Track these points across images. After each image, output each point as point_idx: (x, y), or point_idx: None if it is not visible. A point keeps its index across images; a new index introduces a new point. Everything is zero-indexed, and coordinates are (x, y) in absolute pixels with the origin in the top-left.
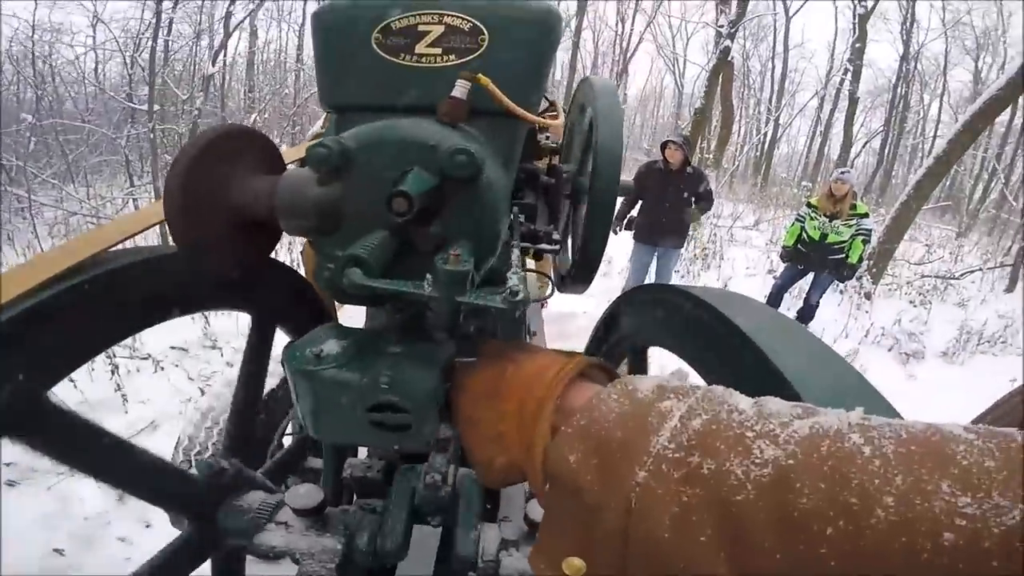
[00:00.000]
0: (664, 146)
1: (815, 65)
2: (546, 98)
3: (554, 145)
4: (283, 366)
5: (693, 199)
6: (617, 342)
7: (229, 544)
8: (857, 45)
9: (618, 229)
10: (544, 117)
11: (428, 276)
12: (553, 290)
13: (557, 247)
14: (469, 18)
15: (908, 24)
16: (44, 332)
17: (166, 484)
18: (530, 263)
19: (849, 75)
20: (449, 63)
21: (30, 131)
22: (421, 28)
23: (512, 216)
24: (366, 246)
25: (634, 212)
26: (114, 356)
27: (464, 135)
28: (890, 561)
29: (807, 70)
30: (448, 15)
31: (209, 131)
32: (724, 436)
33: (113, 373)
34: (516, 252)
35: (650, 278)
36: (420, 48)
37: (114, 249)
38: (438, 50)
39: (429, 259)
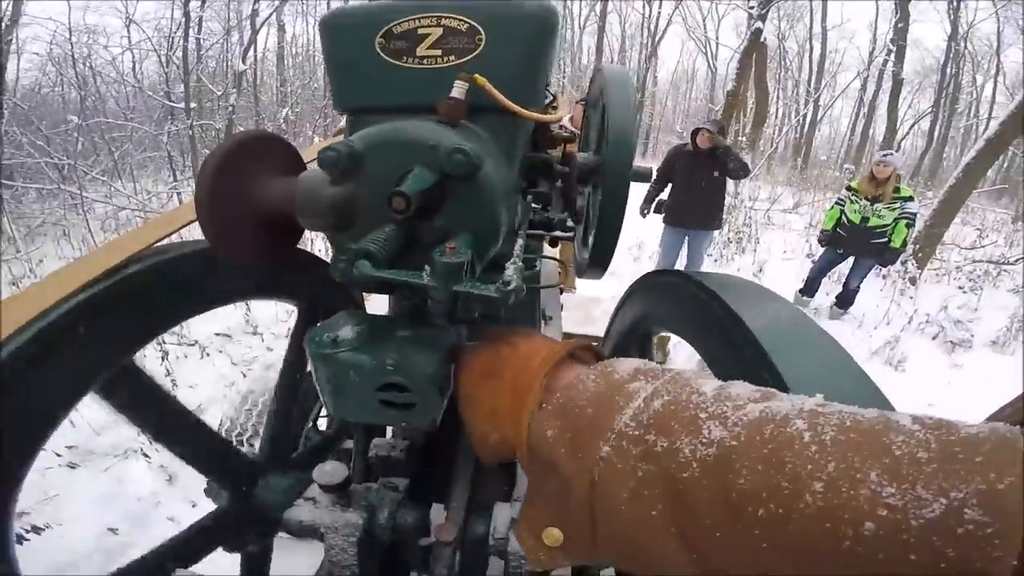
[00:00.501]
0: (696, 133)
1: (856, 45)
2: (547, 91)
3: (567, 134)
4: (306, 349)
5: (726, 177)
6: (633, 326)
7: (264, 518)
8: (899, 25)
9: (646, 212)
10: (546, 111)
11: (427, 267)
12: (566, 277)
13: (571, 234)
14: (466, 19)
15: (955, 3)
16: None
17: (217, 455)
18: (553, 251)
19: (892, 56)
20: (449, 64)
21: (77, 131)
22: (421, 31)
23: (524, 204)
24: (375, 240)
25: (664, 195)
26: (164, 343)
27: (464, 134)
28: (815, 547)
29: (848, 50)
30: (446, 17)
31: (233, 137)
32: (680, 416)
33: (164, 359)
34: (520, 241)
35: (681, 261)
36: (421, 50)
37: (160, 244)
38: (438, 52)
39: (433, 250)
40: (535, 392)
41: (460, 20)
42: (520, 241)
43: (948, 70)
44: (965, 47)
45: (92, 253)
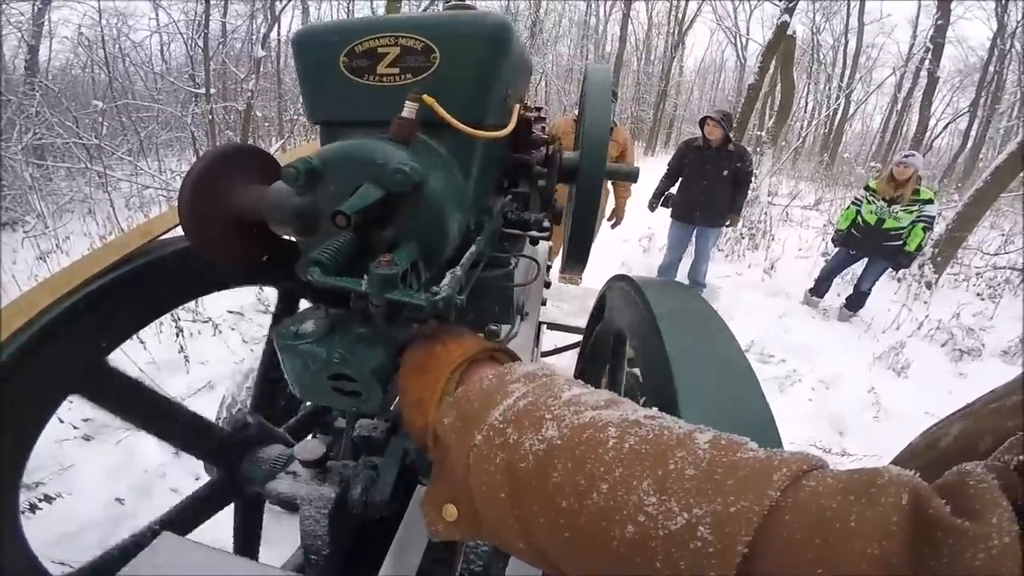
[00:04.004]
0: (703, 123)
1: (896, 40)
2: (517, 102)
3: (546, 137)
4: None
5: (732, 177)
6: (603, 326)
7: (250, 491)
8: (939, 22)
9: (655, 206)
10: (528, 120)
11: (365, 276)
12: (538, 275)
13: (547, 233)
14: (422, 38)
15: (1003, 1)
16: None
17: (199, 435)
18: (535, 249)
19: (930, 53)
20: (406, 81)
21: (101, 115)
22: (381, 50)
23: (499, 207)
24: (328, 248)
25: (673, 190)
26: (179, 320)
27: (416, 150)
28: (595, 541)
29: (886, 45)
30: (403, 36)
31: (215, 149)
32: (532, 415)
33: (178, 335)
34: (472, 248)
35: (688, 256)
36: (381, 68)
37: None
38: (396, 70)
39: (372, 261)
40: (442, 384)
41: (416, 39)
42: (473, 248)
43: (991, 68)
44: (1011, 46)
45: (87, 255)
